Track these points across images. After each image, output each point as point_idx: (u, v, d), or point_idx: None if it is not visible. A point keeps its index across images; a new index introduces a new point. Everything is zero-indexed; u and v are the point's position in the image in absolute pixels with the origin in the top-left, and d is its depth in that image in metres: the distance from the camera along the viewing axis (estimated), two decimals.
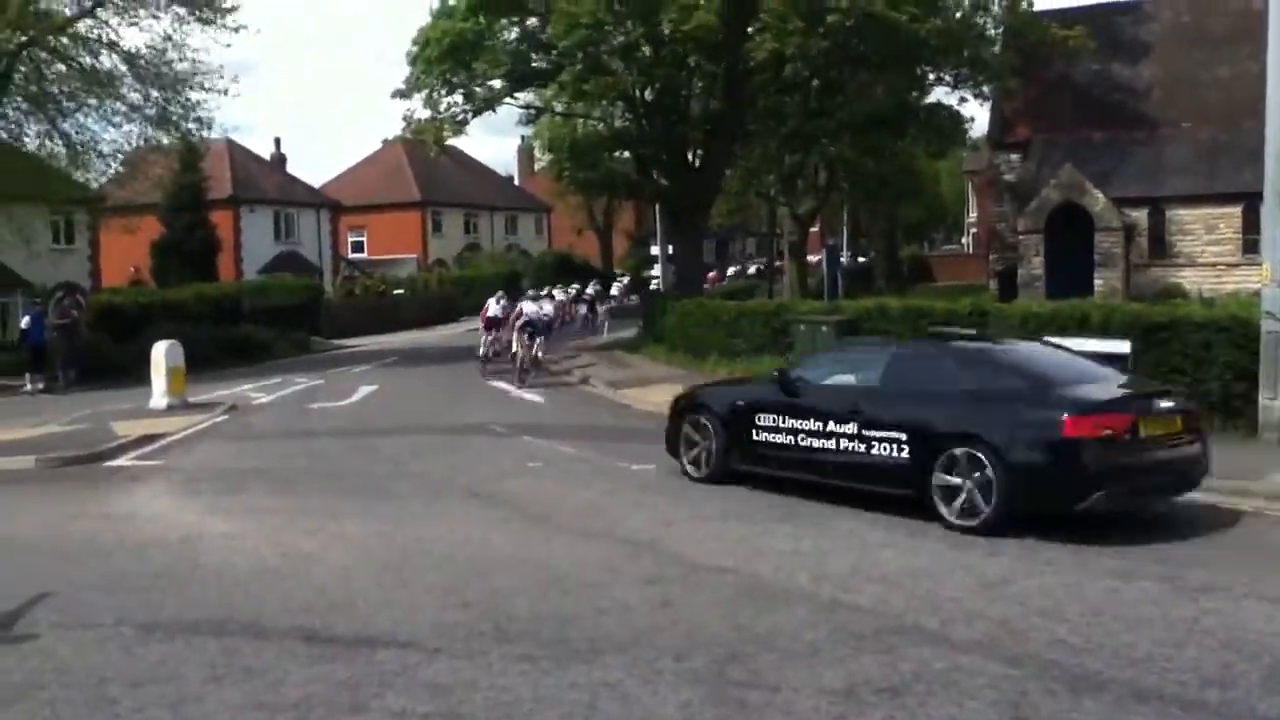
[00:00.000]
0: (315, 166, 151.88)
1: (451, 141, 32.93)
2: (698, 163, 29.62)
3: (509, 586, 7.59)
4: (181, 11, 26.07)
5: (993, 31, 34.75)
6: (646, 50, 26.71)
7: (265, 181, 51.77)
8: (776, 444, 10.50)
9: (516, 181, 78.46)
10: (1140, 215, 36.07)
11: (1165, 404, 9.32)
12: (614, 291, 47.16)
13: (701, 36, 25.42)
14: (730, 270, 67.23)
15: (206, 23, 26.27)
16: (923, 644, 6.24)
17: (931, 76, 32.67)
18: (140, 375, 21.06)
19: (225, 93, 27.28)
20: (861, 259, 60.35)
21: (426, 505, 10.60)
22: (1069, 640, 6.26)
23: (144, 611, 7.24)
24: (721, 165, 30.61)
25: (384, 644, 6.44)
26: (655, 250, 46.94)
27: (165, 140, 28.06)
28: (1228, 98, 35.56)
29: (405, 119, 29.85)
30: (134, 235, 35.06)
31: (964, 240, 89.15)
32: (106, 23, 25.97)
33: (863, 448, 9.72)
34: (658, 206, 36.00)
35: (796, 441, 10.30)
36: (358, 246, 61.16)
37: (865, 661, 5.97)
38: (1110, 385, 9.63)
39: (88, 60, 25.88)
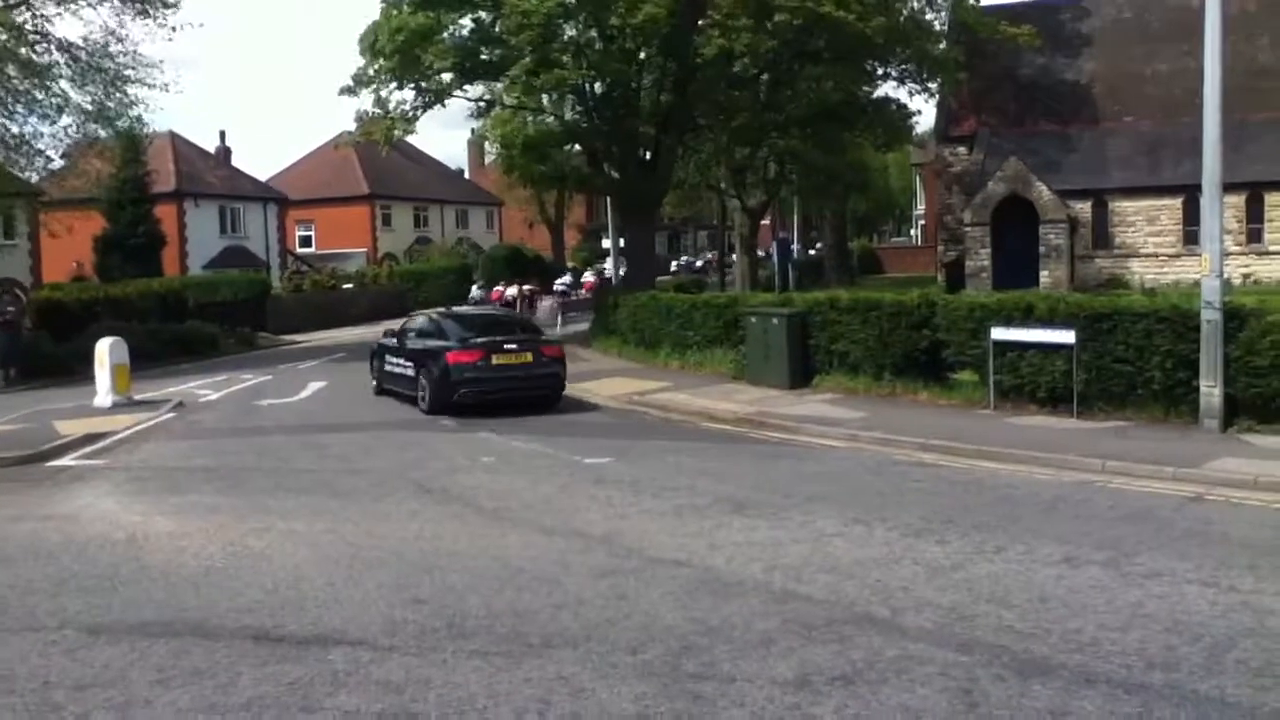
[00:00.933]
0: (261, 160, 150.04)
1: (404, 137, 32.62)
2: (648, 156, 29.59)
3: (462, 583, 7.56)
4: (119, 3, 25.57)
5: (940, 27, 35.09)
6: (597, 44, 26.63)
7: (210, 175, 50.96)
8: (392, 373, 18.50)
9: (467, 175, 77.98)
10: (1084, 207, 36.67)
11: (510, 346, 16.79)
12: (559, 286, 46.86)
13: (650, 29, 25.37)
14: (674, 265, 67.16)
15: (145, 15, 25.79)
16: (874, 632, 6.30)
17: (879, 71, 32.89)
18: (83, 373, 20.69)
19: (166, 88, 26.81)
20: (812, 251, 60.74)
21: (378, 502, 10.52)
22: (1017, 626, 6.35)
23: (89, 614, 7.12)
24: (672, 158, 30.61)
25: (335, 642, 6.39)
26: (607, 243, 46.88)
27: (104, 134, 27.49)
28: (1167, 92, 36.23)
29: (358, 118, 29.55)
30: (76, 230, 34.37)
31: (913, 233, 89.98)
32: (43, 14, 25.41)
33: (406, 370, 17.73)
34: (609, 199, 35.95)
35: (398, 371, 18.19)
36: (305, 241, 60.45)
37: (818, 651, 6.02)
38: (492, 337, 16.94)
39: (24, 52, 25.29)
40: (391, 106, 27.88)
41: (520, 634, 6.45)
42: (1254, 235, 35.20)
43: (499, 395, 16.39)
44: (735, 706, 5.30)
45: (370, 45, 26.56)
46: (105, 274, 39.66)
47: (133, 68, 25.90)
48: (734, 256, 45.80)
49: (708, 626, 6.48)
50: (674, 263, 68.63)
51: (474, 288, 31.43)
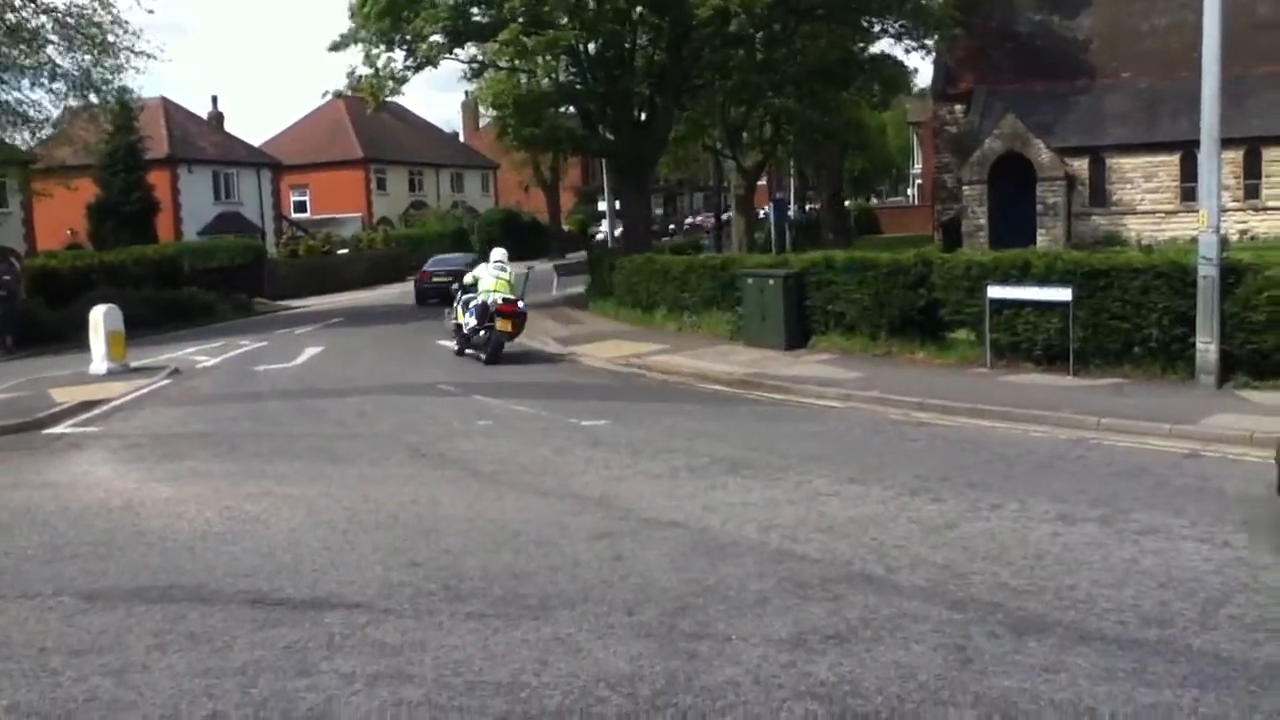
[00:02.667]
0: (254, 125, 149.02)
1: (394, 98, 32.34)
2: (643, 117, 29.38)
3: (458, 545, 7.57)
4: None
5: None
6: (591, 3, 26.33)
7: (203, 140, 50.62)
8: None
9: (461, 138, 77.51)
10: (1081, 165, 36.51)
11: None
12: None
13: None
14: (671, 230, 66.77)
15: None
16: (869, 591, 6.31)
17: (875, 28, 32.60)
18: (79, 340, 20.64)
19: (151, 57, 26.57)
20: (810, 207, 60.52)
21: (374, 466, 10.52)
22: (1012, 583, 6.36)
23: (85, 580, 7.13)
24: (667, 119, 30.39)
25: (332, 606, 6.40)
26: (603, 206, 46.68)
27: (94, 100, 27.25)
28: (1165, 48, 35.98)
29: (348, 75, 29.25)
30: (69, 197, 34.15)
31: (910, 192, 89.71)
32: None
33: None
34: (604, 162, 35.74)
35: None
36: (300, 206, 60.18)
37: (812, 610, 6.03)
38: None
39: (10, 17, 25.02)
40: (381, 65, 27.63)
41: (517, 596, 6.46)
42: (1251, 191, 35.09)
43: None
44: (731, 665, 5.32)
45: (359, 8, 26.30)
46: (99, 241, 39.46)
47: (117, 33, 25.64)
48: (727, 217, 45.60)
49: (703, 586, 6.49)
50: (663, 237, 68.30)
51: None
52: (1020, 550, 7.00)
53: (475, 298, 18.17)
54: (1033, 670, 5.14)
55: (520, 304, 18.23)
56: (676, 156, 47.36)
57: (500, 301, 17.65)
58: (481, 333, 18.01)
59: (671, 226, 70.69)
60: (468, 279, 18.92)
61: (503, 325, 17.69)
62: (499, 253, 19.08)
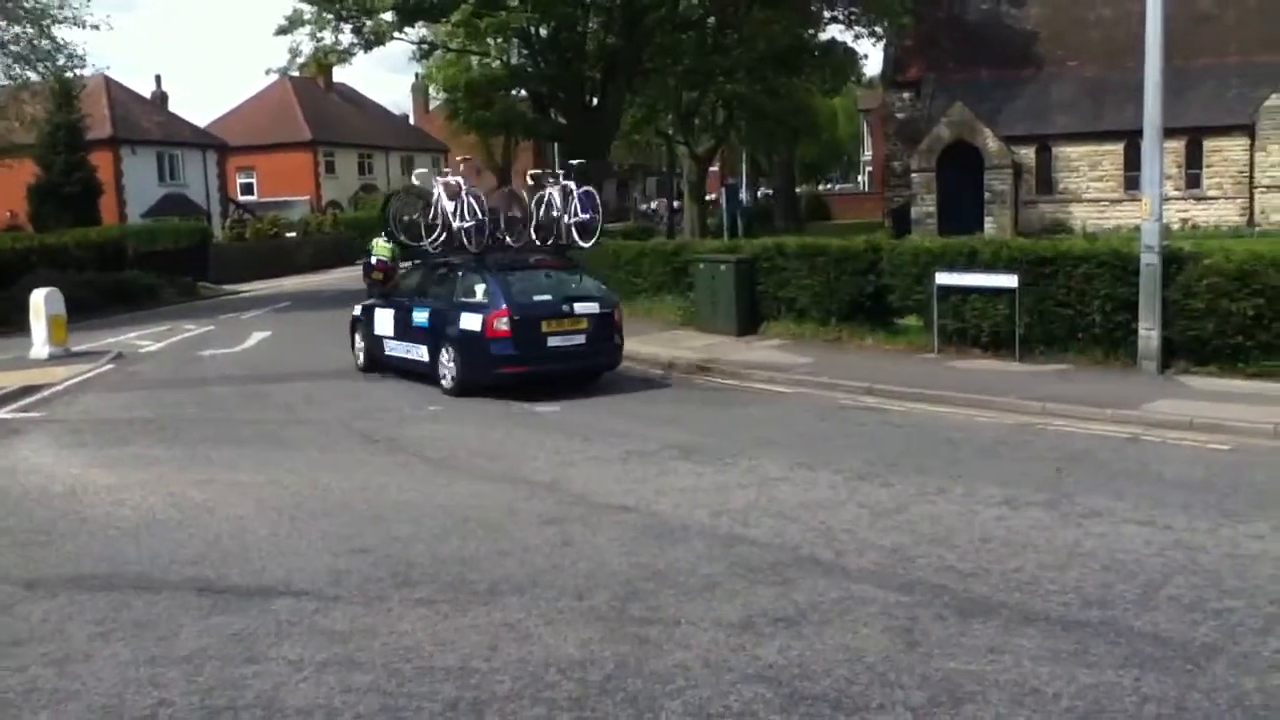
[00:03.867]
0: (200, 106, 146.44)
1: (344, 79, 32.04)
2: (595, 101, 29.29)
3: (408, 532, 7.52)
4: None
5: None
6: None
7: (147, 121, 49.62)
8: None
9: (412, 120, 76.72)
10: (1028, 153, 36.98)
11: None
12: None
13: None
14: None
15: None
16: (818, 574, 6.37)
17: (827, 15, 32.74)
18: (19, 324, 20.17)
19: (97, 28, 26.05)
20: (763, 194, 60.69)
21: (323, 452, 10.42)
22: (958, 566, 6.45)
23: (25, 568, 7.00)
24: (619, 103, 30.35)
25: (279, 593, 6.34)
26: None
27: (34, 77, 26.63)
28: (1110, 38, 36.48)
29: (291, 51, 28.82)
30: (9, 178, 33.40)
31: (860, 179, 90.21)
32: None
33: None
34: (556, 146, 35.60)
35: None
36: (247, 188, 59.21)
37: (762, 593, 6.07)
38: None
39: None
40: (329, 39, 27.29)
41: (466, 581, 6.44)
42: (1193, 180, 35.75)
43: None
44: (680, 649, 5.34)
45: None
46: (40, 223, 38.58)
47: (59, 6, 25.07)
48: (678, 204, 45.60)
49: (653, 571, 6.51)
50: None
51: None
52: (966, 534, 7.09)
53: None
54: (978, 652, 5.21)
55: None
56: (630, 141, 47.27)
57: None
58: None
59: (639, 212, 70.07)
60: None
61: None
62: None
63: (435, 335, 13.83)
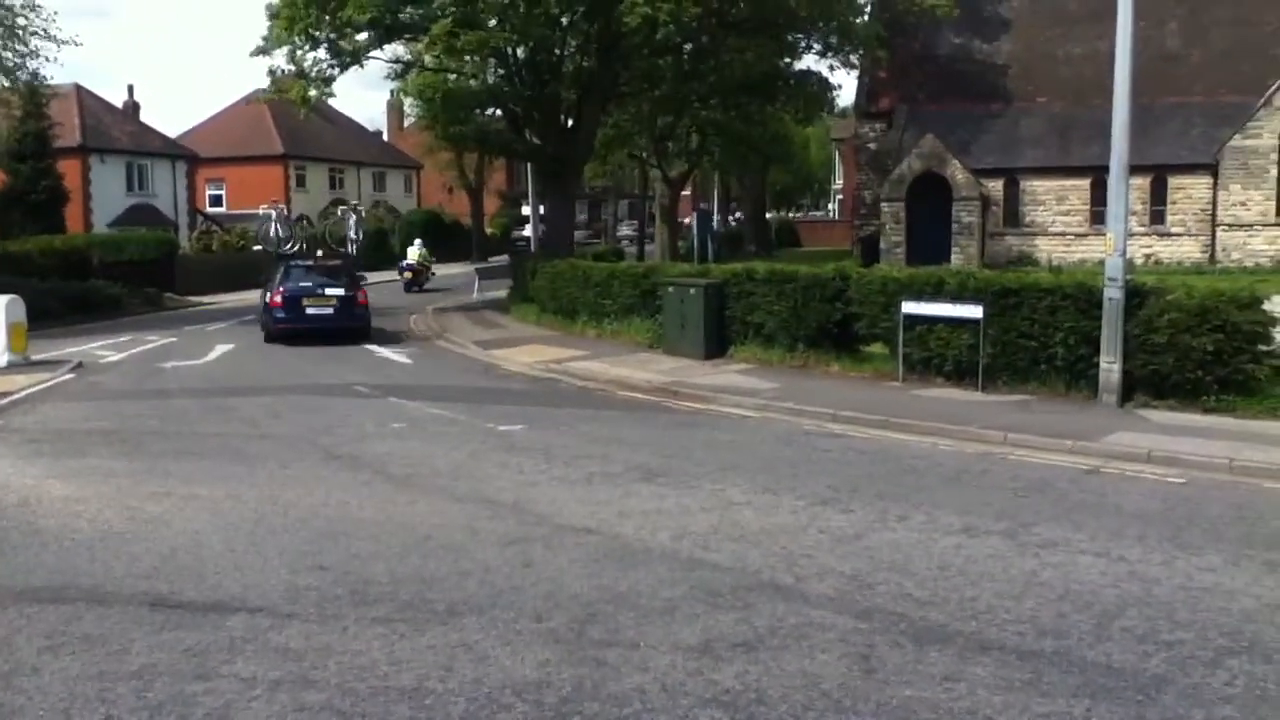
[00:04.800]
0: (171, 116, 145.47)
1: (324, 98, 31.85)
2: (570, 123, 29.35)
3: (367, 550, 7.47)
4: None
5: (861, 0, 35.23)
6: (521, 6, 26.22)
7: (117, 130, 49.24)
8: None
9: (385, 137, 76.60)
10: (996, 185, 37.40)
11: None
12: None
13: None
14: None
15: None
16: (777, 599, 6.38)
17: (802, 44, 32.99)
18: None
19: (67, 43, 25.89)
20: (732, 220, 61.00)
21: (284, 467, 10.34)
22: (916, 594, 6.48)
23: None
24: (594, 126, 30.38)
25: (234, 609, 6.28)
26: (527, 210, 46.52)
27: (4, 84, 26.39)
28: (1079, 75, 37.02)
29: (271, 73, 28.67)
30: None
31: (831, 207, 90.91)
32: None
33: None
34: (529, 166, 35.64)
35: None
36: (216, 200, 58.83)
37: (721, 618, 6.08)
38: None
39: None
40: (308, 65, 27.17)
41: (425, 601, 6.40)
42: (1157, 217, 36.26)
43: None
44: (638, 672, 5.33)
45: (275, 13, 25.82)
46: (4, 231, 38.05)
47: (29, 16, 24.88)
48: (634, 230, 45.65)
49: (614, 594, 6.50)
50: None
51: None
52: (925, 561, 7.13)
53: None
54: (933, 680, 5.24)
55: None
56: (603, 164, 47.41)
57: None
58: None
59: (614, 235, 69.60)
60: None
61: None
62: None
63: (263, 304, 22.97)
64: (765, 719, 4.84)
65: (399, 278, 36.71)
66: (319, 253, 24.40)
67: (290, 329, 21.29)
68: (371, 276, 33.23)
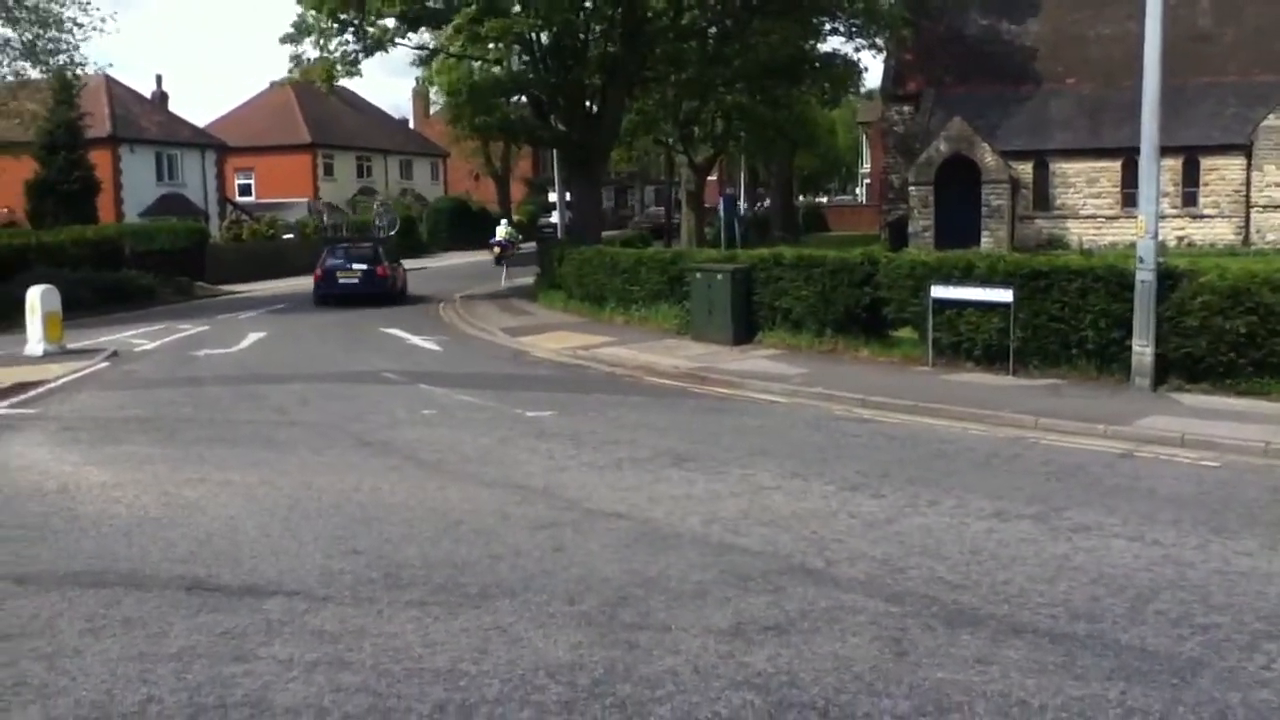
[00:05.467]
0: (200, 106, 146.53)
1: (345, 82, 32.05)
2: (595, 109, 29.33)
3: (400, 534, 7.54)
4: None
5: None
6: None
7: (146, 120, 49.66)
8: None
9: (411, 125, 76.83)
10: (1026, 168, 37.10)
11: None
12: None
13: None
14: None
15: None
16: (808, 583, 6.39)
17: (827, 26, 32.80)
18: (13, 321, 20.20)
19: (98, 27, 26.13)
20: (759, 207, 60.82)
21: (316, 453, 10.43)
22: (948, 578, 6.47)
23: (17, 564, 7.01)
24: (619, 111, 30.36)
25: (270, 593, 6.35)
26: (553, 197, 46.57)
27: (35, 74, 26.64)
28: (1109, 56, 36.64)
29: (293, 59, 28.79)
30: (7, 174, 33.41)
31: (858, 191, 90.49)
32: None
33: None
34: (555, 153, 35.65)
35: None
36: (245, 189, 59.25)
37: (752, 601, 6.10)
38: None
39: None
40: (333, 48, 27.29)
41: (458, 584, 6.45)
42: (1189, 199, 35.89)
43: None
44: (670, 655, 5.36)
45: None
46: (37, 220, 38.58)
47: (62, 4, 25.09)
48: (677, 219, 45.55)
49: (645, 577, 6.53)
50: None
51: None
52: (956, 545, 7.12)
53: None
54: (966, 663, 5.24)
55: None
56: (629, 151, 47.37)
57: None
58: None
59: (636, 218, 69.56)
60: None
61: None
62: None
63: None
64: (797, 701, 4.85)
65: (490, 253, 38.56)
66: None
67: (327, 294, 27.58)
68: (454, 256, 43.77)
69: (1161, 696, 4.87)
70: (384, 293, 27.59)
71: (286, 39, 27.25)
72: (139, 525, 7.90)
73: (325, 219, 37.10)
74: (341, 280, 27.59)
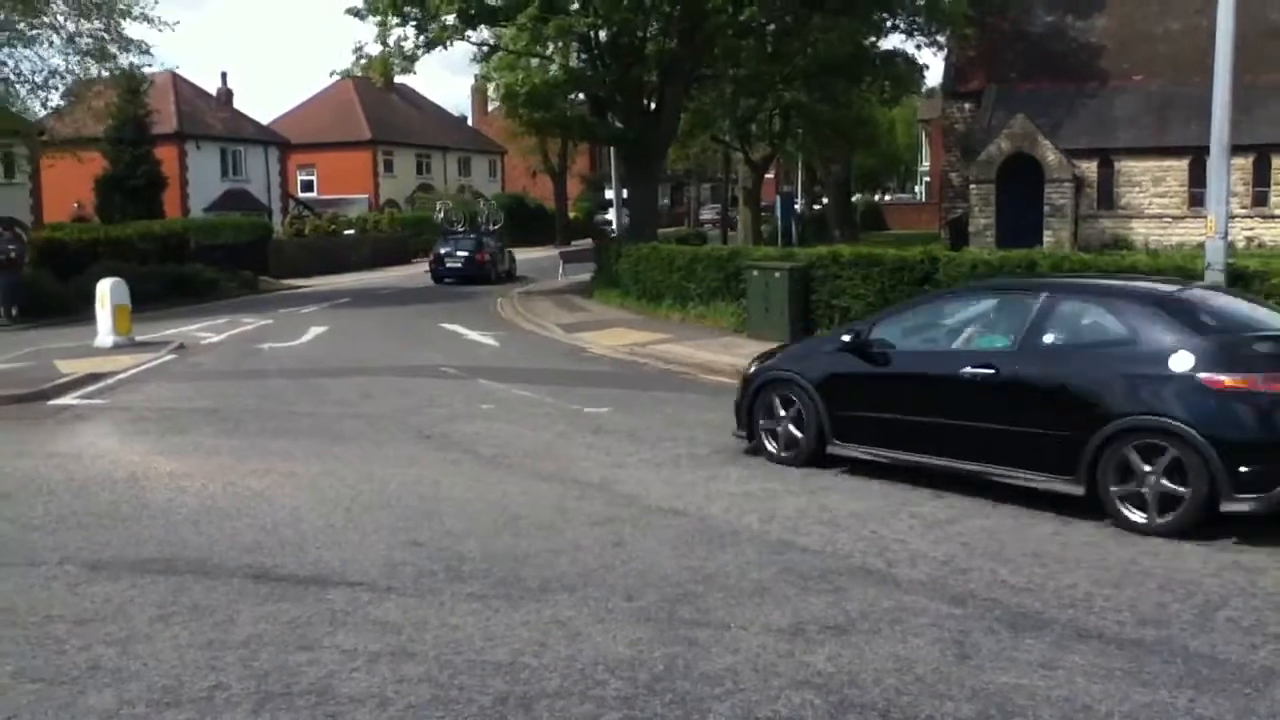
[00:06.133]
0: (263, 103, 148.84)
1: (404, 79, 32.47)
2: (653, 106, 29.35)
3: (460, 527, 7.61)
4: None
5: None
6: None
7: (211, 117, 50.60)
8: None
9: (470, 122, 77.43)
10: (1090, 166, 36.47)
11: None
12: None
13: None
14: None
15: None
16: (869, 584, 6.35)
17: (888, 23, 32.53)
18: (84, 313, 20.68)
19: (165, 26, 26.64)
20: (816, 206, 60.45)
21: (377, 446, 10.56)
22: (1010, 581, 6.40)
23: (89, 550, 7.17)
24: (677, 109, 30.35)
25: (334, 583, 6.44)
26: (610, 194, 46.75)
27: (103, 73, 27.22)
28: (1178, 52, 35.89)
29: (356, 50, 29.13)
30: (78, 170, 34.16)
31: (917, 189, 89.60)
32: None
33: None
34: (613, 150, 35.74)
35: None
36: (307, 185, 60.18)
37: (812, 600, 6.07)
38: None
39: None
40: (392, 42, 27.61)
41: (517, 578, 6.50)
42: (1259, 198, 35.07)
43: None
44: (729, 653, 5.35)
45: None
46: (106, 215, 39.51)
47: (129, 3, 25.60)
48: (716, 213, 45.36)
49: (703, 574, 6.53)
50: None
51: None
52: (1020, 548, 7.03)
53: None
54: (1030, 667, 5.17)
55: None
56: (687, 150, 47.35)
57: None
58: None
59: (697, 219, 69.10)
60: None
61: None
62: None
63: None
64: (858, 702, 4.83)
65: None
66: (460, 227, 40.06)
67: (439, 273, 34.80)
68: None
69: (1233, 706, 4.77)
70: (482, 274, 33.67)
71: (351, 12, 27.58)
72: (206, 514, 8.05)
73: (442, 213, 42.64)
74: (449, 264, 34.80)
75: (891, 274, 16.01)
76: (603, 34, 28.20)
